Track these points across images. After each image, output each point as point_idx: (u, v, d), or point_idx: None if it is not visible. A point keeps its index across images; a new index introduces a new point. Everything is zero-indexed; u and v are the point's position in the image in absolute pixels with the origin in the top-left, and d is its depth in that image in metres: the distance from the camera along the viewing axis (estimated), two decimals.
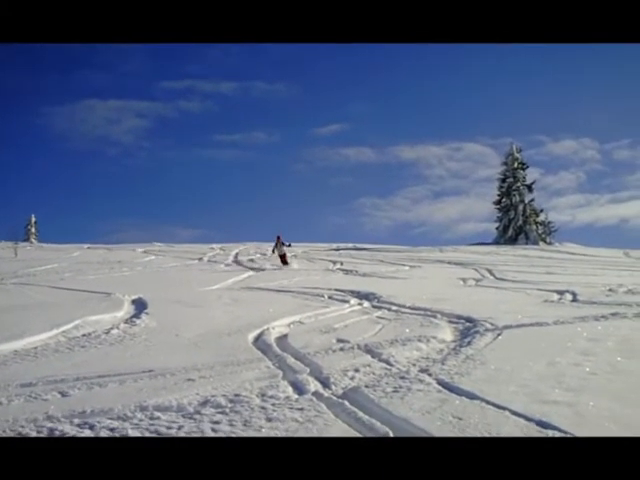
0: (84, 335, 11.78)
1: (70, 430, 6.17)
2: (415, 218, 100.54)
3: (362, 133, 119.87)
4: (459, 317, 12.95)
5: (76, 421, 6.46)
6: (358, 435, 5.94)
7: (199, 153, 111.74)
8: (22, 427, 6.31)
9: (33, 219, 73.53)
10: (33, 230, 72.82)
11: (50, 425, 6.34)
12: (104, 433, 6.06)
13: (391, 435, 5.84)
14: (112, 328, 12.35)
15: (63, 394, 7.55)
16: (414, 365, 8.82)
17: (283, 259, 34.11)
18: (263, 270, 29.49)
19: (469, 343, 10.25)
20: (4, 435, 6.13)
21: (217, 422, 6.33)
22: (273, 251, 34.97)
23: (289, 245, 35.29)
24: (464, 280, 23.65)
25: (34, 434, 6.10)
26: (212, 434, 6.00)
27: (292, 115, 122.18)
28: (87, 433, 6.08)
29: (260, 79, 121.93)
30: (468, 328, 11.67)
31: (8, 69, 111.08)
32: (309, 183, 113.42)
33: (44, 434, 6.12)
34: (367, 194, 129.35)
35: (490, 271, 27.25)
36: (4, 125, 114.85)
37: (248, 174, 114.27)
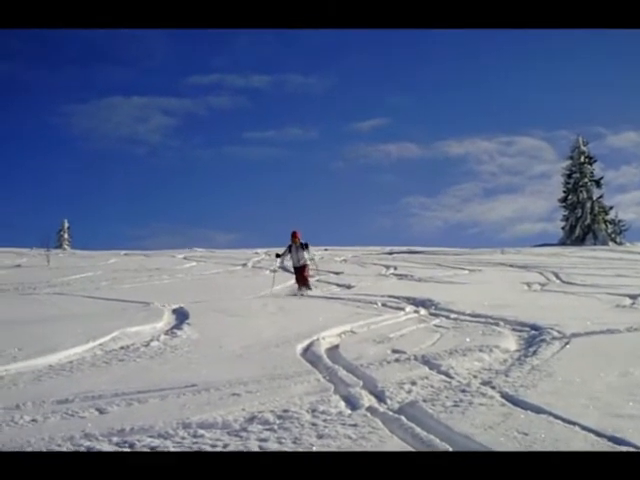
0: (122, 348, 11.88)
1: (109, 449, 6.21)
2: (467, 218, 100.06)
3: (405, 127, 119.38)
4: (523, 324, 12.87)
5: (115, 439, 6.50)
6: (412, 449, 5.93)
7: (231, 151, 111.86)
8: (59, 446, 6.35)
9: (66, 224, 74.27)
10: (66, 236, 73.56)
11: (88, 444, 6.38)
12: None
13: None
14: (152, 340, 12.44)
15: (101, 411, 7.60)
16: (475, 377, 8.78)
17: (301, 275, 23.82)
18: (311, 277, 29.43)
19: (535, 353, 10.18)
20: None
21: (264, 440, 6.32)
22: (278, 256, 25.38)
23: (318, 259, 31.12)
24: (528, 284, 23.51)
25: None
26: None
27: (329, 109, 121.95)
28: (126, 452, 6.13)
29: (294, 71, 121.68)
30: (533, 336, 11.60)
31: (24, 64, 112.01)
32: (349, 182, 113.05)
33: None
34: (413, 193, 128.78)
35: (556, 274, 27.06)
36: (22, 126, 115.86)
37: (283, 173, 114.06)
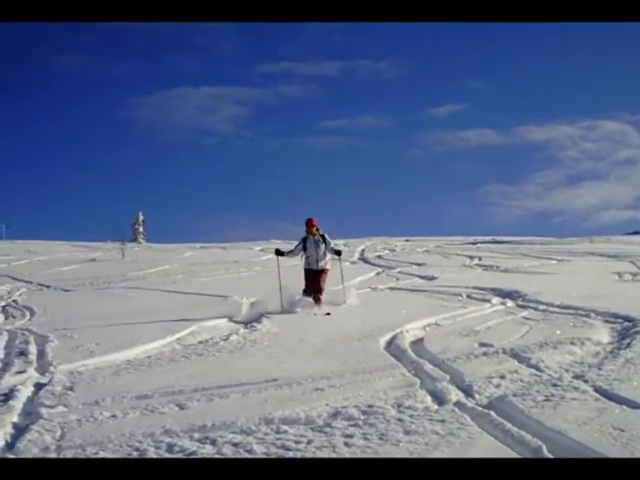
0: (201, 342, 11.98)
1: (190, 446, 6.25)
2: (550, 206, 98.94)
3: (483, 113, 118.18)
4: (616, 316, 12.68)
5: (196, 436, 6.56)
6: (508, 451, 5.88)
7: (303, 141, 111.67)
8: (139, 442, 6.43)
9: (141, 217, 75.12)
10: (141, 229, 74.42)
11: (168, 440, 6.44)
12: (227, 449, 6.12)
13: (545, 450, 5.74)
14: (231, 334, 12.51)
15: (181, 406, 7.67)
16: (567, 371, 8.68)
17: (317, 284, 16.82)
18: (393, 268, 29.32)
19: (629, 345, 10.03)
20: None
21: (350, 435, 6.32)
22: (279, 254, 17.95)
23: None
24: (619, 274, 23.14)
25: (152, 450, 6.20)
26: (345, 449, 6.01)
27: (402, 95, 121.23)
28: (208, 449, 6.15)
29: (365, 57, 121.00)
30: (627, 328, 11.43)
31: (93, 58, 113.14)
32: (425, 170, 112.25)
33: (162, 450, 6.23)
34: (492, 181, 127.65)
35: None
36: (94, 120, 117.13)
37: (358, 162, 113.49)
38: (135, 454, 6.13)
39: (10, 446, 6.55)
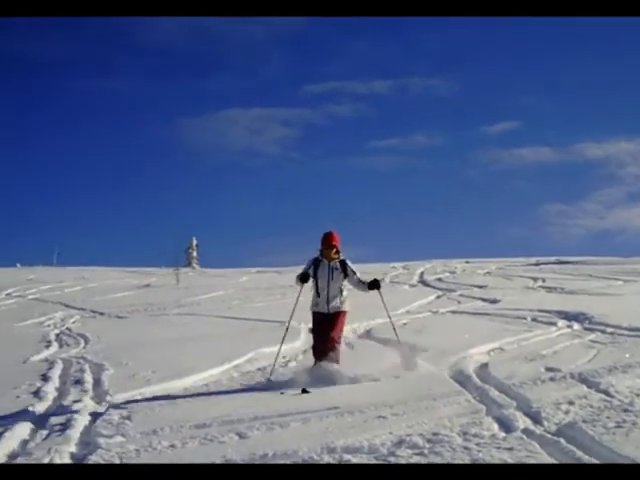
0: (259, 369, 12.03)
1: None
2: (612, 225, 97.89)
3: (538, 130, 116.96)
4: None
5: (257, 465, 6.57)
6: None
7: (354, 161, 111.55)
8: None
9: (194, 242, 75.42)
10: (194, 254, 74.68)
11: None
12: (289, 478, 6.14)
13: None
14: (289, 361, 12.55)
15: (241, 435, 7.68)
16: (638, 396, 8.57)
17: (327, 335, 11.55)
18: (453, 291, 29.16)
19: None
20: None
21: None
22: (304, 280, 11.81)
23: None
24: None
25: None
26: None
27: (455, 113, 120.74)
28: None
29: (415, 74, 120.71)
30: None
31: (141, 79, 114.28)
32: (482, 189, 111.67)
33: None
34: (550, 200, 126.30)
35: None
36: (141, 141, 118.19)
37: (412, 182, 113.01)
38: None
39: None
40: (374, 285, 11.78)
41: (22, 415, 9.42)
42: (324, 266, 11.55)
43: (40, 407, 10.04)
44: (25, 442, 8.06)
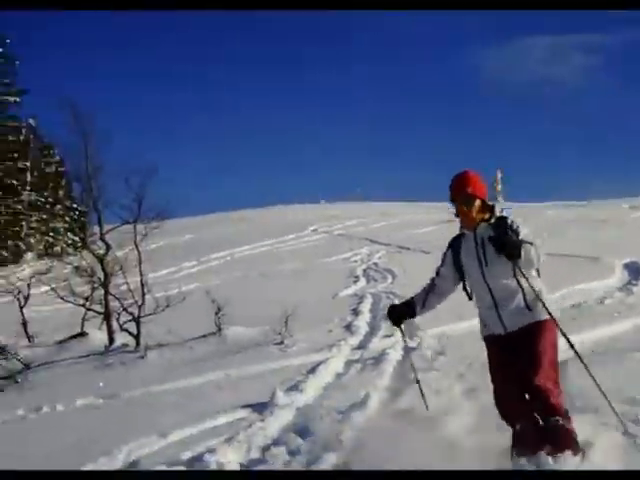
0: (573, 306, 11.79)
1: None
2: None
3: None
4: None
5: None
6: None
7: None
8: None
9: (499, 175, 74.87)
10: (499, 187, 74.13)
11: None
12: None
13: None
14: (605, 297, 12.25)
15: None
16: None
17: (528, 386, 5.07)
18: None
19: None
20: None
21: None
22: (397, 320, 5.99)
23: None
24: None
25: None
26: None
27: None
28: None
29: None
30: None
31: None
32: None
33: None
34: None
35: None
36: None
37: None
38: None
39: (384, 409, 6.74)
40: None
41: (335, 348, 9.70)
42: (468, 242, 5.60)
43: (352, 341, 10.30)
44: (339, 375, 8.31)
